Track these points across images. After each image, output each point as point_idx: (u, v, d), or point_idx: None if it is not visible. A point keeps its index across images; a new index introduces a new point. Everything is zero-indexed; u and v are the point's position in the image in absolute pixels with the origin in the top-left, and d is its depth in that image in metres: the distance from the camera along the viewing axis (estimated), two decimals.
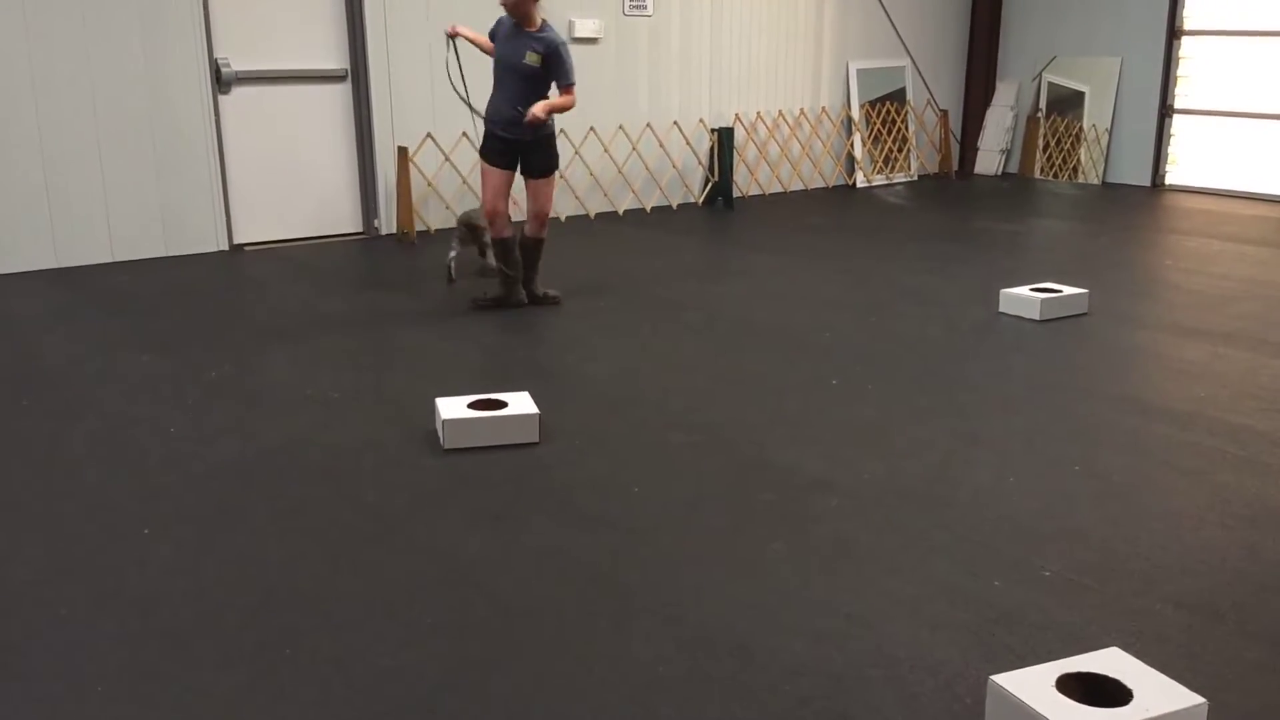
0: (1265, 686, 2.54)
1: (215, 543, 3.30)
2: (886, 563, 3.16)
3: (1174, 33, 9.71)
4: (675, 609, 2.90)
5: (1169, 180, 10.02)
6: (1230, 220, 8.56)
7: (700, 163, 9.57)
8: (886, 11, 10.40)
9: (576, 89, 5.49)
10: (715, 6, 9.51)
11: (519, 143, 5.48)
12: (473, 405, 4.04)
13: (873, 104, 10.62)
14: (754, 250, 7.81)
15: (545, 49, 5.34)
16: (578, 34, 8.68)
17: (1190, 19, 9.66)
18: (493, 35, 5.54)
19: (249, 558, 3.20)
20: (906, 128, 10.82)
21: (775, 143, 10.09)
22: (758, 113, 9.92)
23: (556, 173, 5.70)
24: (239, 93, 7.42)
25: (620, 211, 9.12)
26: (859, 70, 10.53)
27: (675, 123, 9.39)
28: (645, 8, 9.07)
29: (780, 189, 10.16)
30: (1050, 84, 10.57)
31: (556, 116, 5.53)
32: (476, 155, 5.93)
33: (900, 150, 10.82)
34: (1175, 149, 10.00)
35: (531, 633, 2.80)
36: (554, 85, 5.47)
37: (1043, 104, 10.62)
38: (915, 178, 10.86)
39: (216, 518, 3.46)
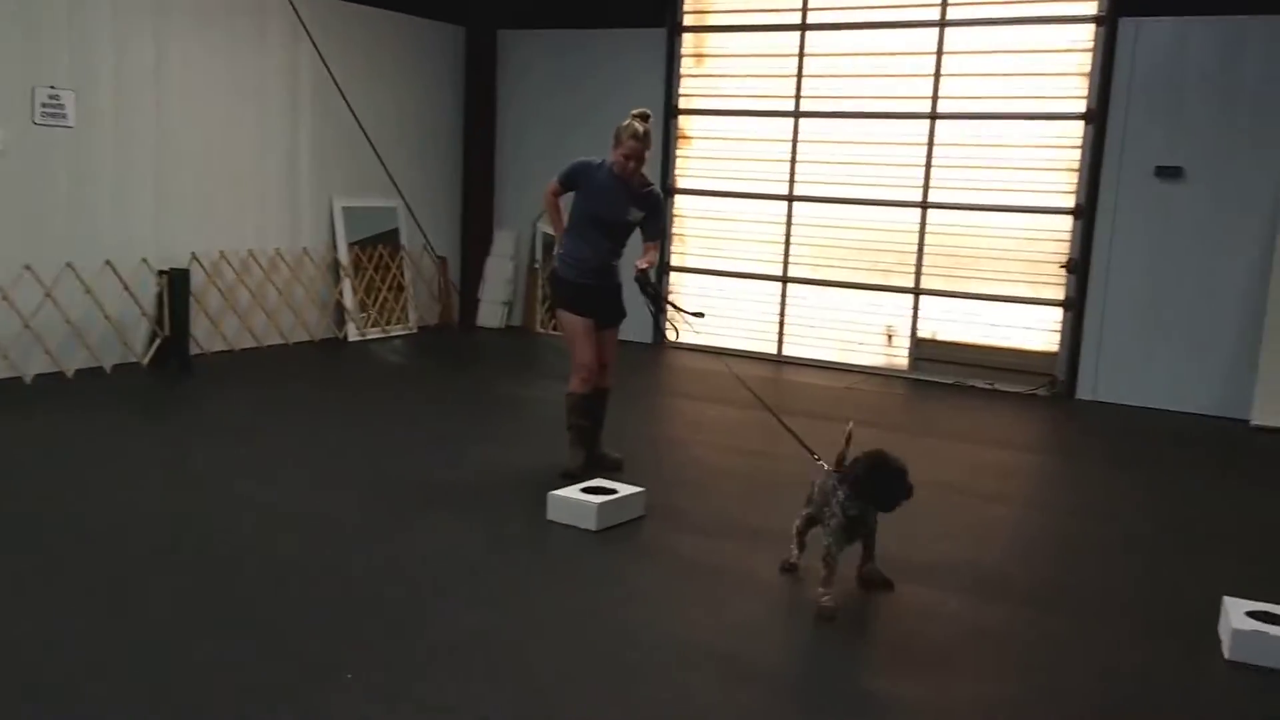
0: None
1: None
2: None
3: (664, 190, 9.73)
4: None
5: (671, 337, 9.90)
6: (719, 378, 8.43)
7: (144, 313, 7.55)
8: (373, 145, 9.27)
9: None
10: (162, 124, 7.70)
11: (601, 290, 5.37)
12: None
13: (362, 246, 9.37)
14: (209, 433, 6.04)
15: (651, 205, 5.30)
16: None
17: (681, 178, 9.74)
18: (574, 185, 5.28)
19: None
20: (403, 274, 9.69)
21: (246, 288, 8.37)
22: (220, 252, 8.17)
23: None
24: None
25: (28, 378, 6.81)
26: (345, 208, 9.24)
27: (108, 262, 7.33)
28: (64, 117, 7.03)
29: (254, 343, 8.41)
30: (545, 234, 10.11)
31: None
32: None
33: (397, 299, 9.64)
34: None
35: None
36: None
37: (539, 255, 10.11)
38: (415, 330, 9.71)
39: None
